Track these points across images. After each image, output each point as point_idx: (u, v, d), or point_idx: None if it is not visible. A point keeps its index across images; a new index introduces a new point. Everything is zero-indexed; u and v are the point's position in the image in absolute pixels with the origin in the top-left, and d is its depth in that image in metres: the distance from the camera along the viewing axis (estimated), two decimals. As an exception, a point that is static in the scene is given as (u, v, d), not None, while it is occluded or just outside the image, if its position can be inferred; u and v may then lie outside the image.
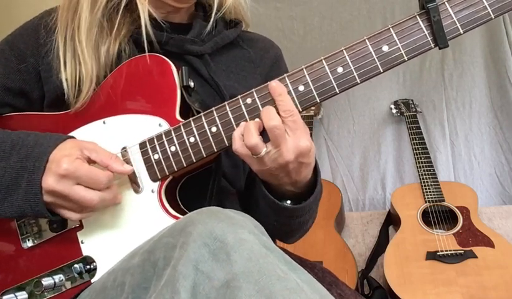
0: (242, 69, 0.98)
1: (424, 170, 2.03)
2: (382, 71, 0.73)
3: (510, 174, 2.30)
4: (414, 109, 2.28)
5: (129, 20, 0.88)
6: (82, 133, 0.85)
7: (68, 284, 0.82)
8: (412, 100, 2.33)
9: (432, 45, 0.72)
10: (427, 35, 0.72)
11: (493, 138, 2.33)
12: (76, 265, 0.81)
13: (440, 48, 0.72)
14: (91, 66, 0.84)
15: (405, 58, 0.73)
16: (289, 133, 0.73)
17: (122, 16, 0.86)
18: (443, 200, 1.94)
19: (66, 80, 0.85)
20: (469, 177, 2.33)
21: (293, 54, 2.10)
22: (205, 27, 0.92)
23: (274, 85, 0.74)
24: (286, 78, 0.75)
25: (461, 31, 0.71)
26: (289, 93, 0.75)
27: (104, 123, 0.85)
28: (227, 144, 0.78)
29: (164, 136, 0.80)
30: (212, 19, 0.92)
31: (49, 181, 0.75)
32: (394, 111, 2.32)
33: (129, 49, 0.87)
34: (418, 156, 2.07)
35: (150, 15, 0.86)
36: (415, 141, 2.12)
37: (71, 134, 0.85)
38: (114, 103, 0.85)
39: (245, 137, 0.73)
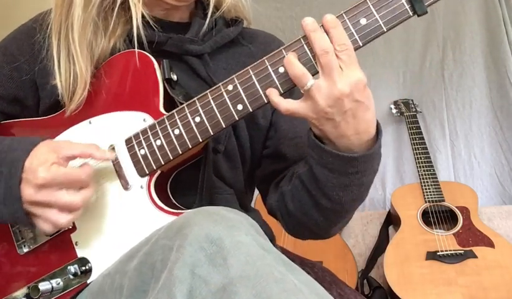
0: (243, 65, 0.96)
1: (424, 170, 2.03)
2: (361, 45, 0.71)
3: (510, 174, 2.29)
4: (414, 109, 2.27)
5: (124, 20, 0.87)
6: (69, 135, 0.85)
7: (65, 287, 0.81)
8: (412, 100, 2.33)
9: (410, 13, 0.70)
10: (404, 3, 0.70)
11: (493, 138, 2.32)
12: (71, 267, 0.81)
13: (418, 16, 0.70)
14: (85, 67, 0.82)
15: (384, 29, 0.71)
16: (342, 67, 0.68)
17: (117, 15, 0.85)
18: (443, 200, 1.94)
19: (61, 81, 0.83)
20: (469, 177, 2.33)
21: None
22: (204, 25, 0.91)
23: (329, 18, 0.70)
24: (266, 61, 0.74)
25: None
26: (268, 75, 0.73)
27: (90, 123, 0.84)
28: (212, 133, 0.77)
29: (148, 130, 0.80)
30: (208, 18, 0.90)
31: (29, 192, 0.73)
32: (394, 111, 2.31)
33: (124, 49, 0.86)
34: (418, 156, 2.07)
35: (148, 15, 0.85)
36: (415, 141, 2.12)
37: (58, 137, 0.85)
38: (99, 102, 0.84)
39: (288, 70, 0.70)
